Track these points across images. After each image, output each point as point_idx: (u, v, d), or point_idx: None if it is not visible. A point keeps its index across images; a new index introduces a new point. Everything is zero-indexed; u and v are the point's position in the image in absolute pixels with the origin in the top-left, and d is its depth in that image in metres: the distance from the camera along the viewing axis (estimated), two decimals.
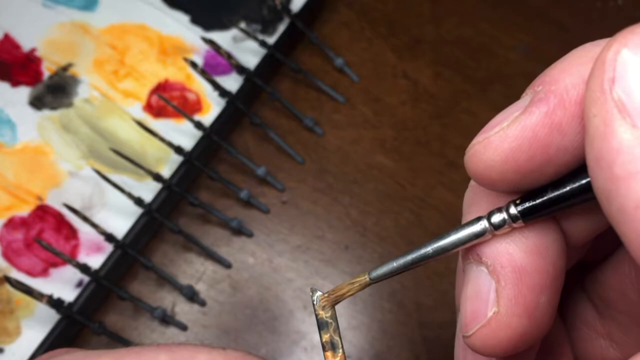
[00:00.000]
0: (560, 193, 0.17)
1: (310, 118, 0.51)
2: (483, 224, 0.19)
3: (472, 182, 0.21)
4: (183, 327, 0.46)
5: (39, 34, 0.53)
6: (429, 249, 0.20)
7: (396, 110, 0.52)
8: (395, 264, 0.20)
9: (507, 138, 0.17)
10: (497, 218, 0.18)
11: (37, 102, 0.51)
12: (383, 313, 0.46)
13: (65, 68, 0.52)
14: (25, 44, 0.52)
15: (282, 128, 0.52)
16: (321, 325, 0.21)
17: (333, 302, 0.21)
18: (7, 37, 0.53)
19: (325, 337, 0.21)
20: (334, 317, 0.21)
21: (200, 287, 0.47)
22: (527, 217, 0.18)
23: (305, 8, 0.54)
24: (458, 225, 0.20)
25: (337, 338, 0.21)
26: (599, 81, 0.15)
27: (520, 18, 0.56)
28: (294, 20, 0.53)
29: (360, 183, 0.50)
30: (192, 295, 0.46)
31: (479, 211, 0.20)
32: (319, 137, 0.52)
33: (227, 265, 0.48)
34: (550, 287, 0.19)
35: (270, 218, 0.49)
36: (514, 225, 0.18)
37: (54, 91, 0.51)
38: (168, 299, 0.47)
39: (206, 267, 0.48)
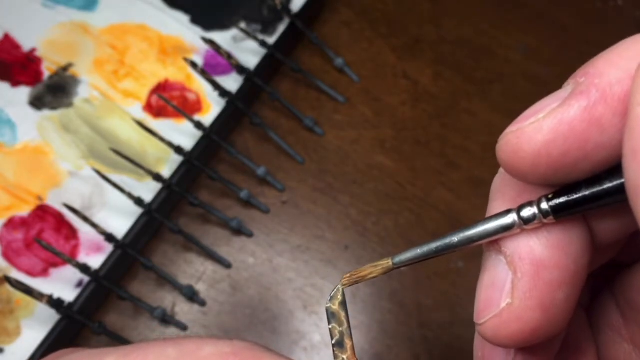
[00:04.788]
0: (597, 191, 0.16)
1: (310, 118, 0.51)
2: (512, 218, 0.18)
3: (502, 169, 0.20)
4: (183, 327, 0.46)
5: (39, 34, 0.53)
6: (455, 238, 0.19)
7: (396, 110, 0.52)
8: (419, 250, 0.20)
9: (542, 130, 0.16)
10: (527, 212, 0.18)
11: (37, 102, 0.51)
12: (383, 313, 0.46)
13: (65, 68, 0.52)
14: (25, 44, 0.52)
15: (282, 128, 0.52)
16: (331, 318, 0.21)
17: (354, 282, 0.21)
18: (7, 37, 0.53)
19: (335, 331, 0.21)
20: (345, 311, 0.21)
21: (200, 287, 0.47)
22: (560, 214, 0.17)
23: (305, 8, 0.54)
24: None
25: (347, 332, 0.21)
26: None
27: (520, 18, 0.56)
28: (294, 20, 0.53)
29: (360, 183, 0.50)
30: (192, 295, 0.46)
31: (505, 199, 0.19)
32: (319, 137, 0.52)
33: (227, 265, 0.48)
34: (570, 285, 0.18)
35: (270, 218, 0.49)
36: (545, 221, 0.18)
37: (54, 91, 0.51)
38: (168, 299, 0.47)
39: (206, 267, 0.48)
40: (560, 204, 0.17)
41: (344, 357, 0.21)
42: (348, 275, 0.21)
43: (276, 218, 0.49)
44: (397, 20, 0.56)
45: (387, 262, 0.20)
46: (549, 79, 0.53)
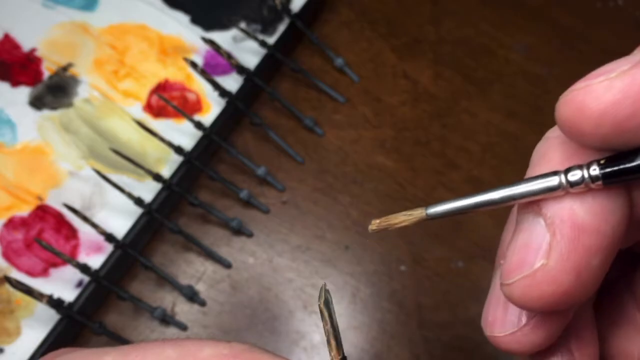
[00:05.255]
0: None
1: (310, 118, 0.51)
2: (558, 180, 0.18)
3: (548, 134, 0.20)
4: (183, 327, 0.46)
5: (39, 34, 0.53)
6: (496, 195, 0.19)
7: (396, 110, 0.52)
8: (456, 204, 0.19)
9: (612, 89, 0.16)
10: (575, 175, 0.17)
11: (37, 102, 0.51)
12: (383, 313, 0.46)
13: (65, 68, 0.52)
14: (25, 44, 0.52)
15: (282, 128, 0.52)
16: (321, 316, 0.21)
17: (383, 229, 0.20)
18: (7, 37, 0.53)
19: (324, 329, 0.21)
20: (329, 309, 0.21)
21: (200, 287, 0.47)
22: (609, 180, 0.17)
23: (305, 8, 0.54)
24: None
25: (331, 330, 0.21)
26: None
27: (520, 18, 0.56)
28: (294, 20, 0.53)
29: (360, 183, 0.50)
30: (192, 295, 0.46)
31: (549, 164, 0.19)
32: (319, 137, 0.52)
33: (227, 265, 0.48)
34: (605, 253, 0.18)
35: (270, 218, 0.49)
36: (592, 185, 0.17)
37: (54, 91, 0.51)
38: (168, 299, 0.47)
39: (206, 267, 0.48)
40: (614, 170, 0.17)
41: (332, 354, 0.21)
42: (377, 220, 0.21)
43: (276, 218, 0.49)
44: (397, 20, 0.56)
45: (421, 212, 0.20)
46: (549, 79, 0.53)
